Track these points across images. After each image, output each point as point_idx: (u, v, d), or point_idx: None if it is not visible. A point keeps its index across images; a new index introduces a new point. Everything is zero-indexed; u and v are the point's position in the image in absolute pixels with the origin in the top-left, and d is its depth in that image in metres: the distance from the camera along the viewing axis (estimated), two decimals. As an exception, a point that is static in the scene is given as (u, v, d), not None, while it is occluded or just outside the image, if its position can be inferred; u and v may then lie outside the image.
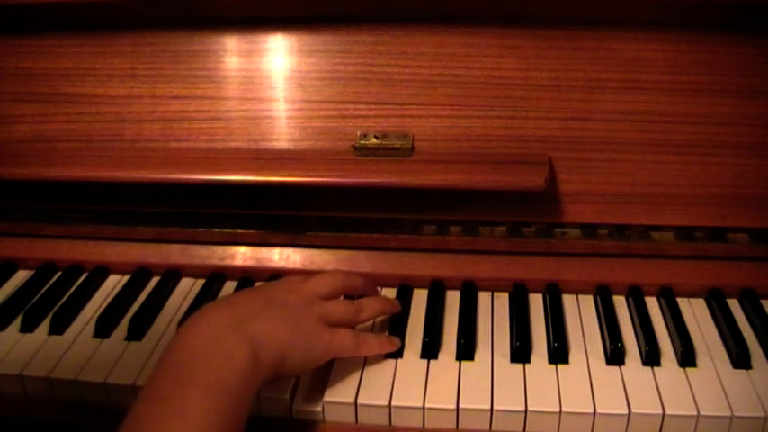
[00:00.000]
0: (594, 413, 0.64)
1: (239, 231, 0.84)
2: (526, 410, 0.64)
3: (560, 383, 0.67)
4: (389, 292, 0.81)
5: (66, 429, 0.70)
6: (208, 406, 0.54)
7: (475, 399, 0.65)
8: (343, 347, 0.67)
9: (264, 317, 0.62)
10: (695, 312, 0.77)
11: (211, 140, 0.83)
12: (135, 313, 0.77)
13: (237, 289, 0.82)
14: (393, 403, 0.65)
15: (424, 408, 0.65)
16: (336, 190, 0.80)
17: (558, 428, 0.64)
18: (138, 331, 0.75)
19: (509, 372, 0.69)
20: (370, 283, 0.78)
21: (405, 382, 0.68)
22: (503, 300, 0.79)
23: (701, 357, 0.70)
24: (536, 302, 0.79)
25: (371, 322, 0.75)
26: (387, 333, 0.73)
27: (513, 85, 0.80)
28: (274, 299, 0.66)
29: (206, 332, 0.60)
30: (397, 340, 0.72)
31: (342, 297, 0.73)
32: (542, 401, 0.65)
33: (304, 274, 0.81)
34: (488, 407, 0.65)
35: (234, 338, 0.59)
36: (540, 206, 0.79)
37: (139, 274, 0.85)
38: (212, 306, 0.64)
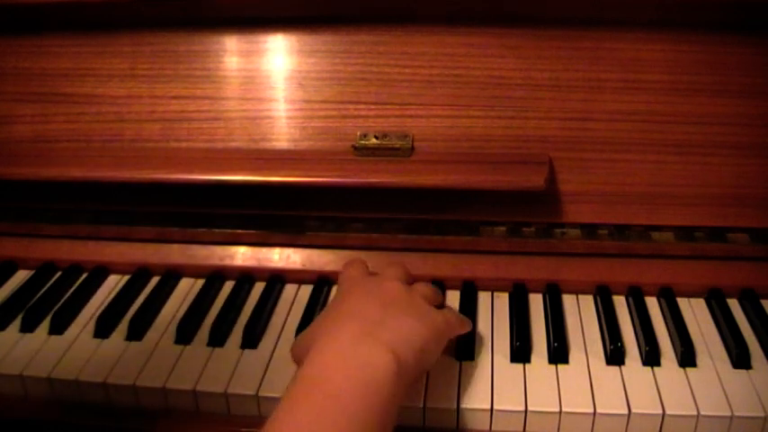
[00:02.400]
0: (594, 413, 0.64)
1: (239, 231, 0.84)
2: (526, 410, 0.64)
3: (560, 383, 0.67)
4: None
5: (66, 429, 0.70)
6: (352, 417, 0.51)
7: (475, 399, 0.65)
8: (455, 325, 0.67)
9: (391, 318, 0.60)
10: (695, 312, 0.76)
11: (211, 140, 0.83)
12: (135, 313, 0.77)
13: (237, 288, 0.82)
14: (393, 403, 0.65)
15: (424, 408, 0.65)
16: (336, 190, 0.80)
17: (558, 428, 0.65)
18: (138, 331, 0.75)
19: (509, 372, 0.69)
20: None
21: (405, 382, 0.68)
22: (503, 300, 0.79)
23: (701, 357, 0.70)
24: (536, 302, 0.79)
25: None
26: None
27: (513, 85, 0.80)
28: (384, 297, 0.64)
29: (339, 346, 0.57)
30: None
31: None
32: (542, 401, 0.65)
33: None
34: (488, 407, 0.65)
35: (370, 346, 0.56)
36: (540, 206, 0.79)
37: (139, 274, 0.85)
38: (334, 322, 0.62)
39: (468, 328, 0.69)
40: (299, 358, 0.62)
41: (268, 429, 0.51)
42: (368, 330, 0.58)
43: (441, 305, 0.71)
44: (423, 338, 0.60)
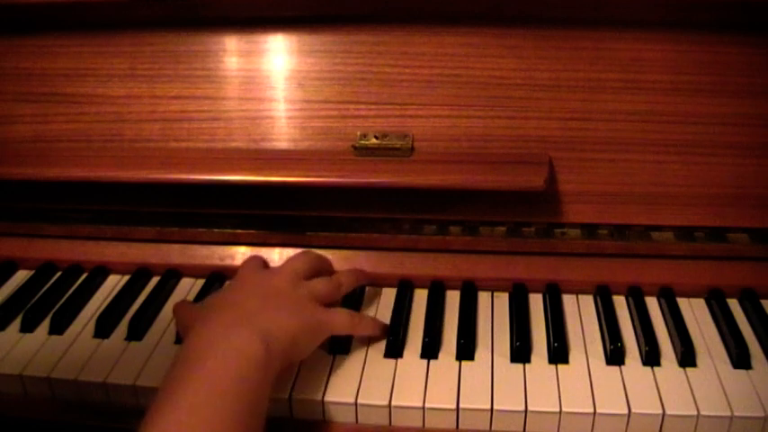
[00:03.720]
0: (594, 413, 0.64)
1: (239, 231, 0.84)
2: (526, 410, 0.64)
3: (560, 383, 0.67)
4: (389, 292, 0.80)
5: (66, 429, 0.70)
6: (222, 398, 0.55)
7: (475, 399, 0.65)
8: (341, 325, 0.70)
9: (268, 309, 0.65)
10: (695, 312, 0.76)
11: (211, 140, 0.83)
12: (135, 313, 0.77)
13: (237, 289, 0.82)
14: (393, 403, 0.65)
15: (424, 408, 0.65)
16: (336, 190, 0.80)
17: (558, 428, 0.65)
18: (138, 331, 0.75)
19: (509, 372, 0.69)
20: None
21: (405, 382, 0.68)
22: (503, 300, 0.79)
23: (701, 357, 0.70)
24: (536, 302, 0.79)
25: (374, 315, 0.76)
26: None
27: (513, 85, 0.80)
28: (267, 291, 0.69)
29: (212, 332, 0.61)
30: (386, 328, 0.74)
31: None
32: (542, 401, 0.65)
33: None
34: (488, 407, 0.65)
35: (244, 332, 0.60)
36: (540, 206, 0.79)
37: (139, 274, 0.85)
38: (213, 310, 0.65)
39: (351, 331, 0.71)
40: (182, 333, 0.70)
41: (153, 415, 0.53)
42: (242, 320, 0.62)
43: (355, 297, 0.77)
44: (293, 332, 0.64)
